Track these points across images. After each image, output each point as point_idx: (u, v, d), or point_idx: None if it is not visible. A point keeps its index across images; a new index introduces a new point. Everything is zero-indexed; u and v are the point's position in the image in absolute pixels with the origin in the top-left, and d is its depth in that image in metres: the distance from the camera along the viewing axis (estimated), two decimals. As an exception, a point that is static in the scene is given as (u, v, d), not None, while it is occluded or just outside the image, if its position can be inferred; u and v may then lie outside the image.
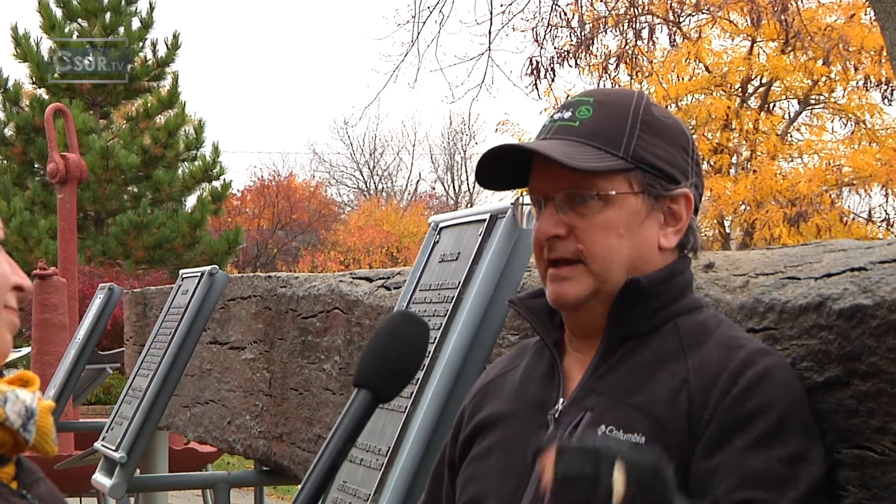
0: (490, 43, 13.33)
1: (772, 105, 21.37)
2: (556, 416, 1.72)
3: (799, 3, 15.23)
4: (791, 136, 21.42)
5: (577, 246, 1.71)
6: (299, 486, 1.47)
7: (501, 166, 1.79)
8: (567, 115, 1.76)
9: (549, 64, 14.65)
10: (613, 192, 1.71)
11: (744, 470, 1.56)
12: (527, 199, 1.83)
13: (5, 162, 21.17)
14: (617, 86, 16.14)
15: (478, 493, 1.78)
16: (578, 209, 1.71)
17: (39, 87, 21.46)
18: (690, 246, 1.79)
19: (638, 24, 14.93)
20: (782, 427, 1.59)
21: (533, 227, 1.77)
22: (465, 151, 39.27)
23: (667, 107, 18.52)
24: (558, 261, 1.73)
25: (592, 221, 1.71)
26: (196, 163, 21.56)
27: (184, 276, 4.80)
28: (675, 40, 17.79)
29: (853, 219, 19.58)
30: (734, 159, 20.52)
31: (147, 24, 21.52)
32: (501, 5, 13.79)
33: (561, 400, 1.74)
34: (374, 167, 40.58)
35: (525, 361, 1.87)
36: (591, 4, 14.86)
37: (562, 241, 1.72)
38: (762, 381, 1.61)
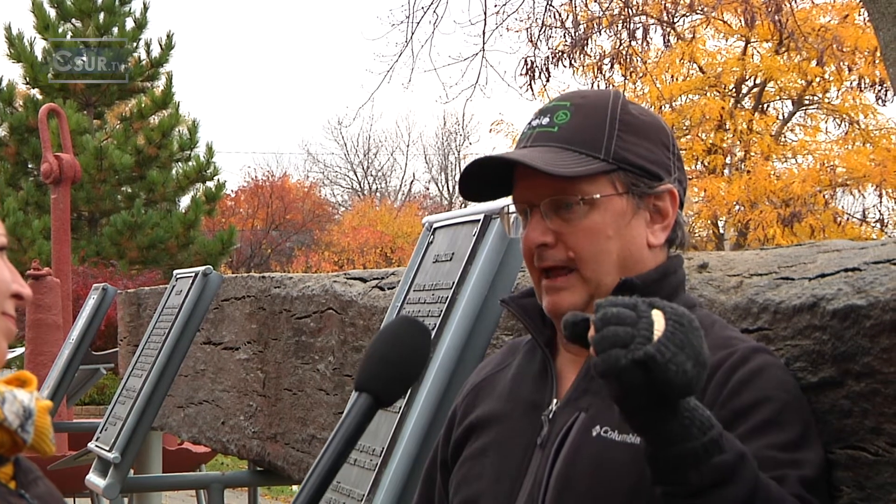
0: (484, 43, 13.32)
1: (766, 105, 21.41)
2: (550, 416, 1.72)
3: (793, 3, 15.24)
4: (785, 137, 21.47)
5: (568, 253, 1.70)
6: (298, 489, 1.46)
7: (485, 177, 1.78)
8: (545, 120, 1.75)
9: (544, 64, 14.63)
10: (598, 196, 1.70)
11: None
12: (513, 208, 1.82)
13: (-1, 162, 21.18)
14: (611, 86, 16.14)
15: (472, 493, 1.77)
16: (564, 215, 1.70)
17: (33, 88, 21.45)
18: (679, 241, 1.79)
19: (632, 25, 14.92)
20: (781, 417, 1.58)
21: (521, 235, 1.77)
22: (459, 152, 39.31)
23: (660, 108, 18.56)
24: (550, 270, 1.72)
25: (579, 226, 1.70)
26: (190, 163, 21.58)
27: (178, 276, 4.80)
28: (669, 41, 17.77)
29: (847, 219, 19.63)
30: (728, 160, 20.53)
31: (141, 25, 21.53)
32: (496, 6, 13.81)
33: (555, 400, 1.73)
34: (367, 167, 40.60)
35: (517, 360, 1.86)
36: (586, 5, 14.85)
37: (551, 250, 1.71)
38: (756, 376, 1.61)
